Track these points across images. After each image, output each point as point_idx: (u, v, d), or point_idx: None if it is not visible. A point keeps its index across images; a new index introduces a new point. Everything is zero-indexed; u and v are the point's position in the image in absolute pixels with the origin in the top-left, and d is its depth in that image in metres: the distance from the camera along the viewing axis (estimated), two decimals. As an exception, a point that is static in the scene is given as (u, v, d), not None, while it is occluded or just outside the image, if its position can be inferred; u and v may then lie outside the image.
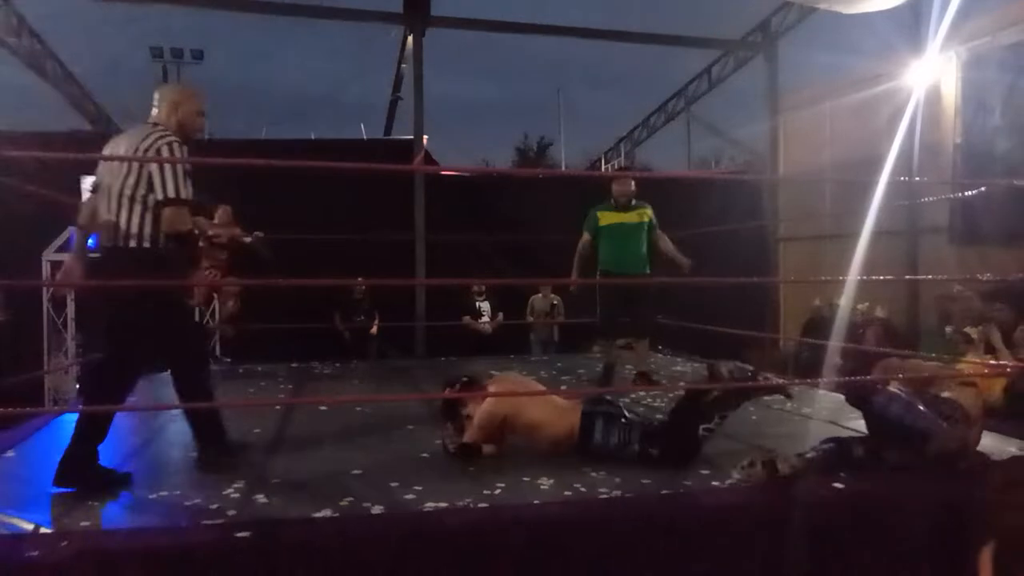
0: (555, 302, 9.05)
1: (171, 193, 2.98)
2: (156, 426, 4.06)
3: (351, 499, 2.73)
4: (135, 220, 3.00)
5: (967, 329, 5.53)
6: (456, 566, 2.41)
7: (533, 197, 10.11)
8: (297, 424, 4.17)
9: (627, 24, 10.81)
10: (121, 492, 2.86)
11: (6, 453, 3.50)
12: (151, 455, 3.54)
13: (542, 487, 2.90)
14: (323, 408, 4.55)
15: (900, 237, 8.69)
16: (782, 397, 3.67)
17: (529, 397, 3.43)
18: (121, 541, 2.37)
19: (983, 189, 7.12)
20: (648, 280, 5.36)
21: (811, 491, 2.79)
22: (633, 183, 5.42)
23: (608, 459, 3.19)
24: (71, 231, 7.75)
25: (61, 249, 7.92)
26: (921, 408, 3.00)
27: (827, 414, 4.21)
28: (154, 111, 3.22)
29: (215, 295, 7.30)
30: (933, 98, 8.59)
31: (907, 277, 8.55)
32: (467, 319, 8.77)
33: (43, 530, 2.43)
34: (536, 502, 2.73)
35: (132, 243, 3.01)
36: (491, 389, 3.51)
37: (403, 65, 10.87)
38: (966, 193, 7.60)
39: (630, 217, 5.31)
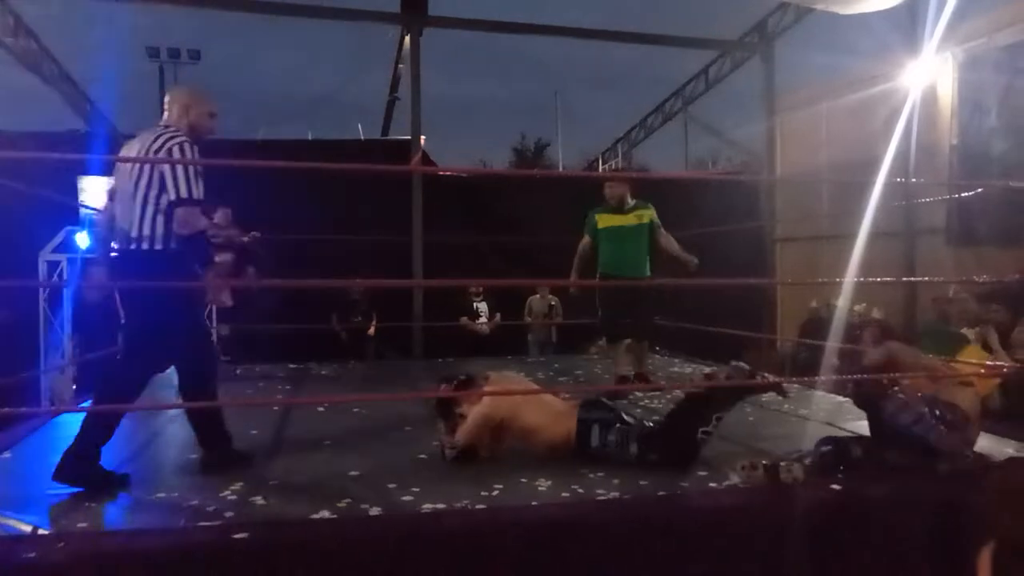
0: (553, 303, 9.04)
1: (183, 193, 2.97)
2: (154, 427, 4.05)
3: (349, 500, 2.74)
4: (147, 222, 3.00)
5: (964, 330, 5.55)
6: (454, 567, 2.41)
7: (530, 198, 10.10)
8: (295, 425, 4.17)
9: (624, 25, 10.87)
10: (119, 493, 2.86)
11: (2, 454, 3.50)
12: (149, 456, 3.53)
13: (540, 488, 2.90)
14: (321, 409, 4.55)
15: (897, 238, 8.70)
16: (779, 397, 3.66)
17: (526, 402, 3.41)
18: (119, 542, 2.37)
19: (980, 190, 7.14)
20: (644, 282, 5.34)
21: (810, 492, 2.79)
22: (626, 185, 5.37)
23: (605, 461, 3.18)
24: (67, 231, 7.74)
25: (58, 249, 7.89)
26: (930, 419, 3.00)
27: (824, 415, 4.23)
28: (165, 114, 3.23)
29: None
30: (929, 99, 8.61)
31: (904, 279, 8.56)
32: (464, 320, 8.76)
33: (41, 531, 2.42)
34: (534, 503, 2.73)
35: (145, 245, 3.01)
36: (489, 389, 3.50)
37: (400, 65, 10.84)
38: (963, 194, 7.62)
39: (628, 219, 5.29)
